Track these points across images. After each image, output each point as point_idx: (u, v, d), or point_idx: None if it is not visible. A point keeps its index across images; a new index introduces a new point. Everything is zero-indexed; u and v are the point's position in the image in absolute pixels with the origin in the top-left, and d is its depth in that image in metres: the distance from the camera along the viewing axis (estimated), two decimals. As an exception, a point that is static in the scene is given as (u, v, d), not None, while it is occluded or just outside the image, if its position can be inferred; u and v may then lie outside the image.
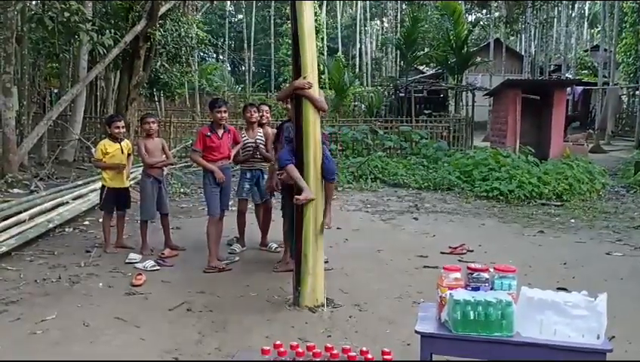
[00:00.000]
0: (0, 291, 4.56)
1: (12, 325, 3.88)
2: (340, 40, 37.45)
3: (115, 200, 5.98)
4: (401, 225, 7.53)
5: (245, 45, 36.03)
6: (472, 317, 2.59)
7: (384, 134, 14.85)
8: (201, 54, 33.23)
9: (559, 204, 9.06)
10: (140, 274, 4.98)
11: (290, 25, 4.41)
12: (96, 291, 4.64)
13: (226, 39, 38.29)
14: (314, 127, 4.18)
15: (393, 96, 25.10)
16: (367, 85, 30.16)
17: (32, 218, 6.67)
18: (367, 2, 37.39)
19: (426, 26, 26.18)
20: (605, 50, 25.25)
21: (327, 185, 4.45)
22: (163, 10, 13.38)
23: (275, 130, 5.76)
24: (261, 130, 6.01)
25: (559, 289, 3.95)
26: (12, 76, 10.32)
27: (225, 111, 5.55)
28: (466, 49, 22.08)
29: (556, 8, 31.52)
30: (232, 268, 5.36)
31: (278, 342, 2.49)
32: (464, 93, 22.81)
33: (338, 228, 6.68)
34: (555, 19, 33.43)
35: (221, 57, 40.35)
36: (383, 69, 37.39)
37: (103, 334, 3.75)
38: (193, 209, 8.49)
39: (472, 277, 2.82)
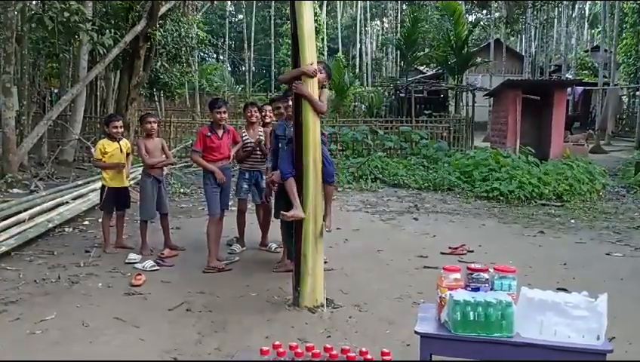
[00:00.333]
0: (-1, 291, 4.56)
1: (11, 325, 3.88)
2: (340, 40, 37.49)
3: (115, 200, 5.98)
4: (401, 226, 7.52)
5: (245, 45, 36.06)
6: (471, 318, 2.58)
7: (384, 134, 14.85)
8: (202, 54, 33.26)
9: (559, 204, 9.05)
10: (140, 274, 4.97)
11: (290, 25, 4.40)
12: (96, 291, 4.64)
13: (226, 39, 38.31)
14: (314, 128, 4.16)
15: (393, 97, 25.12)
16: (367, 85, 30.21)
17: (31, 218, 6.67)
18: (368, 2, 37.41)
19: (427, 26, 26.19)
20: (605, 50, 25.26)
21: (327, 187, 4.43)
22: (163, 10, 13.37)
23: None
24: (262, 129, 6.02)
25: (559, 289, 3.94)
26: (12, 76, 10.32)
27: (225, 112, 5.55)
28: (466, 49, 22.09)
29: (556, 9, 31.53)
30: (232, 268, 5.36)
31: (277, 343, 2.48)
32: (464, 93, 22.81)
33: (338, 229, 6.67)
34: (556, 20, 33.48)
35: (221, 57, 40.37)
36: (383, 70, 37.43)
37: (103, 334, 3.74)
38: (193, 209, 8.48)
39: (472, 277, 2.82)
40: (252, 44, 36.71)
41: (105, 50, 11.25)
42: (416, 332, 2.71)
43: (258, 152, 5.93)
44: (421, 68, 31.28)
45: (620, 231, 7.21)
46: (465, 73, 23.71)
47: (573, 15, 35.68)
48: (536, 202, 9.19)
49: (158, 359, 3.41)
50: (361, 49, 36.80)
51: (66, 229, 6.89)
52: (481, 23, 32.50)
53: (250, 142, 5.91)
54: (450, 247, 6.17)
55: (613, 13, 24.24)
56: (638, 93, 24.41)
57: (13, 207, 7.10)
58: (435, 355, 2.72)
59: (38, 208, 7.12)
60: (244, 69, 39.47)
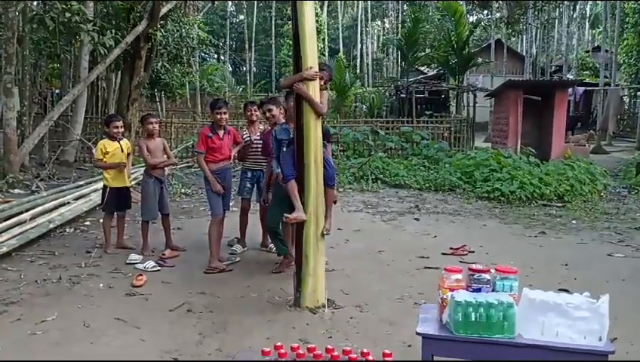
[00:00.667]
0: (0, 291, 4.55)
1: (12, 325, 3.88)
2: (341, 41, 37.52)
3: (116, 200, 5.98)
4: (402, 226, 7.51)
5: (246, 46, 36.07)
6: (473, 319, 2.58)
7: (385, 135, 14.86)
8: (202, 55, 33.23)
9: (560, 204, 9.04)
10: (141, 274, 4.97)
11: (291, 25, 4.39)
12: (97, 292, 4.64)
13: (227, 40, 38.35)
14: (315, 129, 4.15)
15: (394, 97, 25.13)
16: (368, 86, 30.22)
17: (33, 218, 6.66)
18: (369, 3, 37.42)
19: (428, 26, 26.23)
20: (607, 51, 25.23)
21: (327, 190, 4.41)
22: (164, 10, 13.40)
23: None
24: (262, 128, 6.03)
25: (561, 290, 3.93)
26: (13, 76, 10.33)
27: (225, 113, 5.55)
28: (467, 50, 22.07)
29: (557, 9, 31.50)
30: (233, 268, 5.36)
31: (278, 344, 2.48)
32: (465, 93, 22.79)
33: (339, 229, 6.67)
34: (557, 20, 33.45)
35: (222, 58, 40.39)
36: (384, 70, 37.46)
37: (104, 335, 3.74)
38: (194, 209, 8.48)
39: (473, 278, 2.81)
40: (253, 44, 36.71)
41: (106, 51, 11.26)
42: (417, 333, 2.71)
43: (259, 151, 5.92)
44: (422, 68, 31.29)
45: (622, 232, 7.20)
46: (466, 73, 23.69)
47: (575, 15, 35.61)
48: (537, 202, 9.18)
49: (159, 359, 3.40)
50: (362, 49, 36.82)
51: (67, 230, 6.89)
52: (482, 23, 32.47)
53: (254, 142, 5.91)
54: (451, 248, 6.16)
55: (615, 14, 24.22)
56: (639, 93, 24.39)
57: (14, 208, 7.11)
58: (436, 356, 2.71)
59: (39, 208, 7.12)
60: (245, 69, 39.48)
